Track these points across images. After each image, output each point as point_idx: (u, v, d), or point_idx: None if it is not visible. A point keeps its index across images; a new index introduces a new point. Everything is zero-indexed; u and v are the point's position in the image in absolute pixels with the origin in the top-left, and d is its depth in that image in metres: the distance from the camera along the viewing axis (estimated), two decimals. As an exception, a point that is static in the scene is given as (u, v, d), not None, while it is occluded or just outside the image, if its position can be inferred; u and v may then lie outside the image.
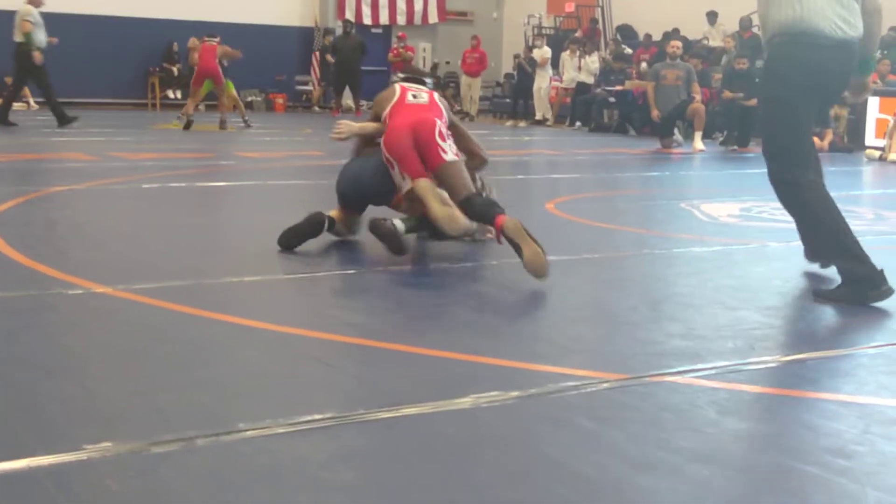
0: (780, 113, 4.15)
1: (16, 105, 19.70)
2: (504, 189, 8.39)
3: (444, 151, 4.68)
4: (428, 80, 5.29)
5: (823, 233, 4.11)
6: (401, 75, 5.35)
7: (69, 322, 3.46)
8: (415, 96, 5.00)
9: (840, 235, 4.03)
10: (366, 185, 4.96)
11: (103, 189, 7.24)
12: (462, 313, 3.82)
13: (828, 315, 3.88)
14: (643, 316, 3.81)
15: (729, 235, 5.82)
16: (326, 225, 4.94)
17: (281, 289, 4.19)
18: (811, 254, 4.64)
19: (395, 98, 4.99)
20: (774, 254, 5.36)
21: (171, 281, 4.08)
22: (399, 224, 4.76)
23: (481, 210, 4.49)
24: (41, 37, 13.63)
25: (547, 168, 10.63)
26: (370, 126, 5.09)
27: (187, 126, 14.40)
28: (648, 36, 18.96)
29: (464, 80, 20.70)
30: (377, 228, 4.68)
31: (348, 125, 5.11)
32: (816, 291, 4.17)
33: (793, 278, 4.61)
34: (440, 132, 4.73)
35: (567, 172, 10.23)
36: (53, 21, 20.31)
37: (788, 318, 3.77)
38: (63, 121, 13.68)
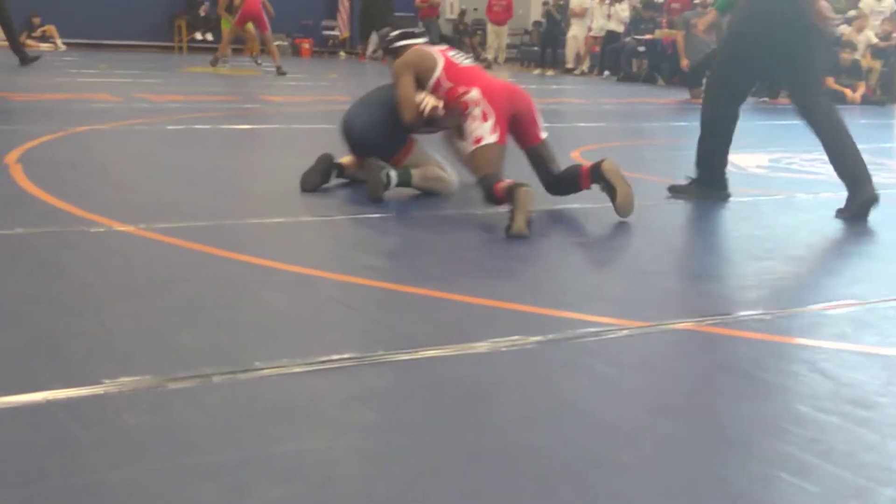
0: (726, 58, 5.04)
1: (43, 46, 19.79)
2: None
3: (542, 129, 4.71)
4: (417, 31, 5.06)
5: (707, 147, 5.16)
6: (395, 33, 4.98)
7: (90, 260, 3.46)
8: (457, 57, 4.81)
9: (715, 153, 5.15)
10: (368, 143, 4.91)
11: (128, 130, 7.23)
12: (483, 260, 3.79)
13: (854, 266, 3.83)
14: (667, 265, 3.77)
15: (757, 186, 5.75)
16: (336, 172, 4.94)
17: (303, 231, 4.18)
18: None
19: (442, 63, 4.73)
20: (802, 205, 5.28)
21: (194, 221, 4.07)
22: (393, 175, 4.73)
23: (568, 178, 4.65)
24: None
25: (574, 117, 10.52)
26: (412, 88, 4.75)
27: (214, 63, 14.42)
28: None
29: (490, 28, 20.43)
30: (370, 169, 4.69)
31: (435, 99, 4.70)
32: (672, 187, 5.30)
33: (820, 230, 4.54)
34: (537, 109, 4.70)
35: (594, 121, 10.12)
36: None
37: (813, 268, 3.72)
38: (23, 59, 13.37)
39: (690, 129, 9.79)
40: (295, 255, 3.62)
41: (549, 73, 18.68)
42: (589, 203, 4.82)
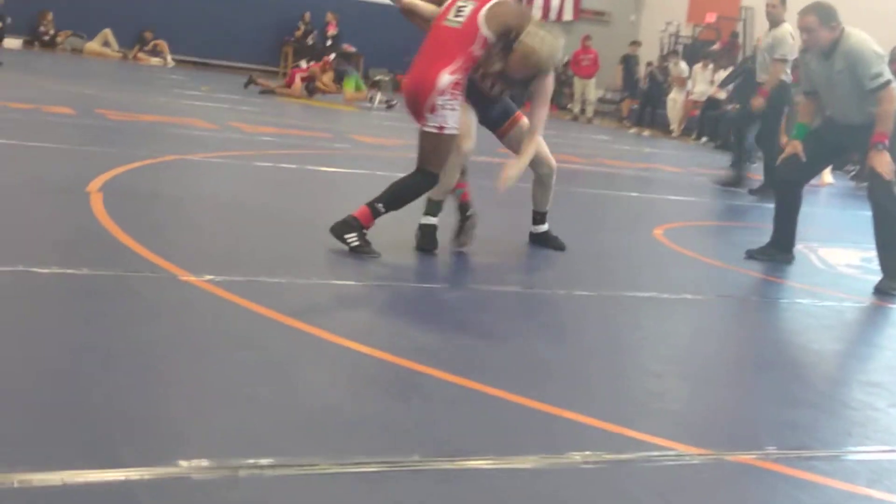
0: None
1: (153, 60, 20.31)
2: (614, 207, 8.17)
3: (426, 121, 4.65)
4: None
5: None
6: None
7: (146, 311, 3.43)
8: (458, 12, 4.68)
9: None
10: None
11: (215, 163, 7.30)
12: (540, 349, 3.64)
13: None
14: (736, 378, 3.59)
15: (844, 289, 5.49)
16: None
17: (364, 298, 4.10)
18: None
19: (443, 7, 4.77)
20: (892, 317, 5.03)
21: (258, 275, 4.03)
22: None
23: (391, 190, 4.76)
24: None
25: (663, 187, 10.30)
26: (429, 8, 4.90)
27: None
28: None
29: (577, 82, 20.25)
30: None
31: None
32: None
33: (906, 351, 4.30)
34: (433, 106, 4.59)
35: (683, 194, 9.91)
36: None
37: (894, 402, 3.50)
38: None
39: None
40: (351, 327, 3.55)
41: (646, 133, 18.45)
42: (664, 293, 4.65)
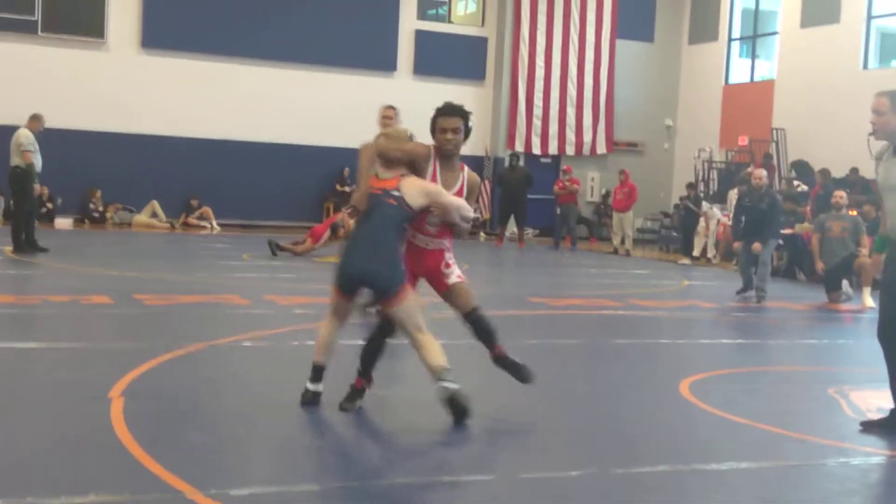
0: None
1: (202, 228, 20.90)
2: (642, 359, 8.03)
3: (448, 277, 5.41)
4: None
5: None
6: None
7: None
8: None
9: None
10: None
11: (243, 348, 7.43)
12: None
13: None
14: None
15: (874, 442, 5.34)
16: None
17: None
18: None
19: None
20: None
21: (267, 485, 4.08)
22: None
23: (487, 329, 5.45)
24: (39, 162, 13.42)
25: (696, 329, 10.20)
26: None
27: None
28: (825, 172, 18.23)
29: (614, 216, 20.43)
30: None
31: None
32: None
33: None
34: (446, 263, 5.42)
35: (717, 336, 9.83)
36: (246, 149, 21.59)
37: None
38: (31, 248, 13.42)
39: (819, 348, 9.29)
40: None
41: (685, 261, 18.40)
42: (680, 464, 4.58)
